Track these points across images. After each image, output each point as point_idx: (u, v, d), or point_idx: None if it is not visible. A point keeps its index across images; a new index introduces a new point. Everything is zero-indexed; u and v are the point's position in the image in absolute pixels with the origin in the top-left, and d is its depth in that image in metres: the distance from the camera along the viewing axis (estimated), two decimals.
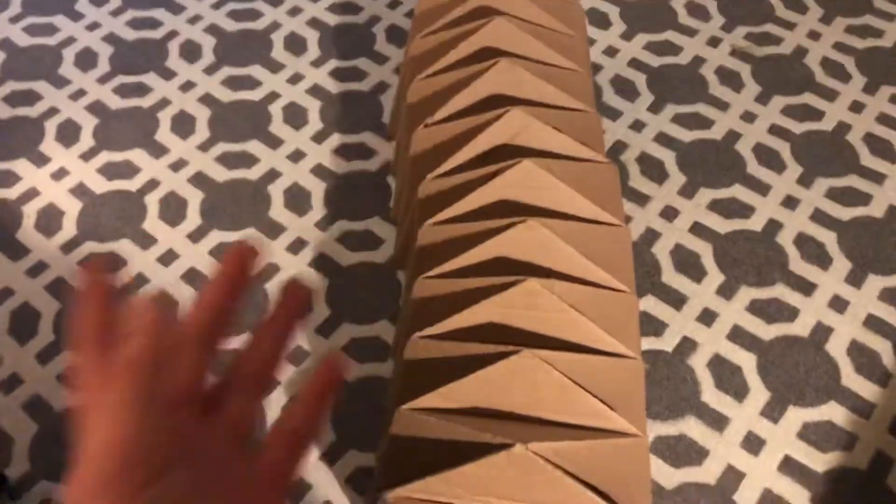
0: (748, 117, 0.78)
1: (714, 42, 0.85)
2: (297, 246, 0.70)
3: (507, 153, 0.57)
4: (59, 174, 0.76)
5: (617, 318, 0.51)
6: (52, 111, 0.81)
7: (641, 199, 0.72)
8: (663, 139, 0.76)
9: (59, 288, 0.68)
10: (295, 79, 0.83)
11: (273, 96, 0.81)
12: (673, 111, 0.79)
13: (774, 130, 0.77)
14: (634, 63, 0.83)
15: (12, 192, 0.74)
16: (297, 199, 0.73)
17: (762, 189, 0.73)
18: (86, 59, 0.85)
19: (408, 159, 0.62)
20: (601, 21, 0.87)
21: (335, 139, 0.78)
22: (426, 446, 0.45)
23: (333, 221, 0.72)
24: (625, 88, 0.81)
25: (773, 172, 0.74)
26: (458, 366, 0.47)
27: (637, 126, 0.78)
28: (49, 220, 0.72)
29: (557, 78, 0.62)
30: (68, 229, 0.72)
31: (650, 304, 0.66)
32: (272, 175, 0.75)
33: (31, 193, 0.74)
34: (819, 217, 0.71)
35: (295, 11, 0.89)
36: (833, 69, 0.82)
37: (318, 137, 0.78)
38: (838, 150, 0.75)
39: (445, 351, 0.49)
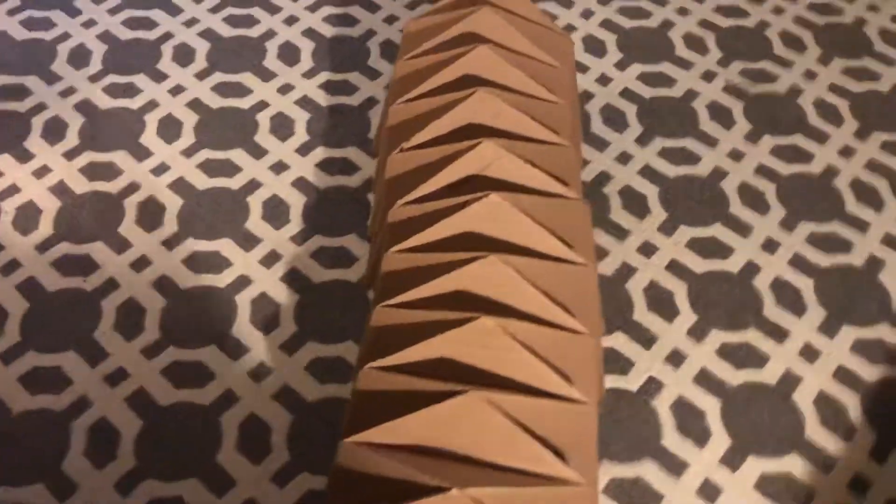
0: (736, 155, 0.77)
1: (709, 76, 0.84)
2: (270, 259, 0.70)
3: (477, 184, 0.56)
4: (42, 172, 0.76)
5: (574, 360, 0.50)
6: (41, 107, 0.81)
7: (621, 233, 0.72)
8: (648, 173, 0.76)
9: (29, 288, 0.68)
10: (285, 89, 0.83)
11: (262, 105, 0.81)
12: (661, 145, 0.78)
13: (761, 171, 0.76)
14: (627, 93, 0.82)
15: None
16: (276, 212, 0.73)
17: (743, 230, 0.72)
18: (79, 56, 0.86)
19: (383, 182, 0.61)
20: (597, 49, 0.87)
21: (320, 153, 0.77)
22: (367, 482, 0.45)
23: (310, 236, 0.71)
24: (614, 119, 0.80)
25: (757, 214, 0.73)
26: (407, 401, 0.47)
27: (623, 158, 0.77)
28: (26, 218, 0.72)
29: (537, 109, 0.61)
30: (45, 229, 0.72)
31: (620, 341, 0.65)
32: (253, 185, 0.75)
33: (12, 190, 0.74)
34: (798, 262, 0.70)
35: (291, 20, 0.89)
36: (826, 111, 0.81)
37: (303, 150, 0.78)
38: (824, 195, 0.74)
39: (396, 384, 0.48)
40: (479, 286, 0.50)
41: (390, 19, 0.89)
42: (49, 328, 0.66)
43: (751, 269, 0.69)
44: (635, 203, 0.74)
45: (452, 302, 0.51)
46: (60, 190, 0.75)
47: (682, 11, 0.91)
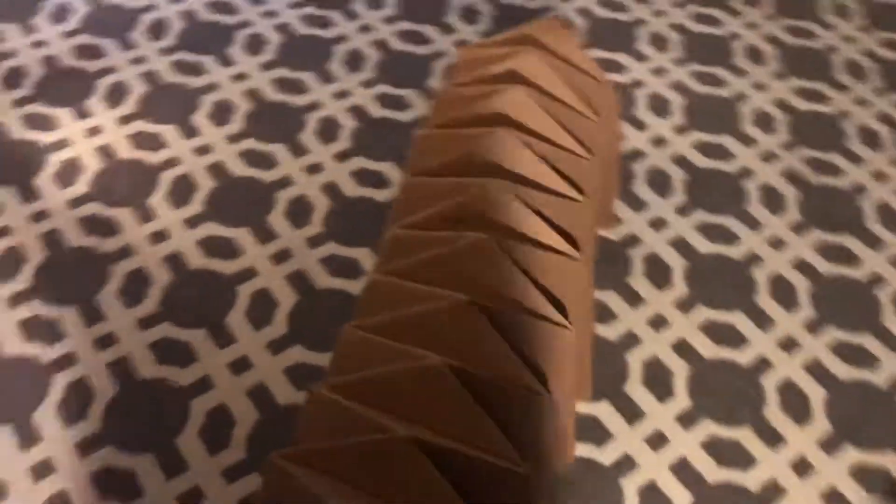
0: (776, 244, 0.74)
1: (769, 157, 0.80)
2: (281, 256, 0.71)
3: (478, 222, 0.55)
4: (93, 132, 0.79)
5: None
6: (110, 70, 0.84)
7: (635, 300, 0.69)
8: (680, 245, 0.73)
9: (52, 239, 0.71)
10: (341, 94, 0.84)
11: (314, 106, 0.82)
12: (700, 218, 0.75)
13: (800, 265, 0.72)
14: (679, 159, 0.80)
15: (46, 137, 0.78)
16: (299, 211, 0.74)
17: (765, 323, 0.68)
18: (156, 29, 0.89)
19: (393, 202, 0.61)
20: (660, 108, 0.84)
21: (357, 162, 0.78)
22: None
23: (324, 242, 0.72)
24: (659, 182, 0.78)
25: (783, 309, 0.69)
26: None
27: (658, 224, 0.75)
28: (68, 173, 0.76)
29: (561, 160, 0.60)
30: (81, 186, 0.75)
31: (604, 410, 0.63)
32: (285, 182, 0.76)
33: (63, 143, 0.78)
34: (815, 369, 0.66)
35: (365, 29, 0.91)
36: (887, 216, 0.76)
37: (342, 156, 0.78)
38: (862, 304, 0.70)
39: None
40: (452, 332, 0.49)
41: (460, 44, 0.89)
42: (58, 281, 0.68)
43: (762, 364, 0.66)
44: (658, 272, 0.71)
45: (423, 340, 0.50)
46: (106, 152, 0.77)
47: (760, 87, 0.87)
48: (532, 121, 0.61)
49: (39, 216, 0.72)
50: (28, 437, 0.60)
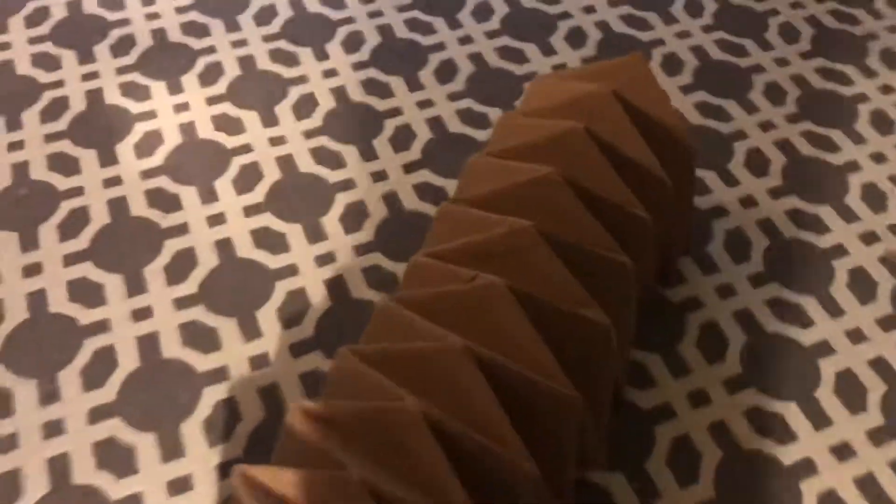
0: (855, 336, 0.66)
1: (869, 239, 0.73)
2: (325, 259, 0.70)
3: (500, 265, 0.53)
4: (181, 108, 0.81)
5: None
6: (211, 50, 0.87)
7: (680, 369, 0.64)
8: (744, 318, 0.67)
9: (117, 206, 0.73)
10: (425, 104, 0.82)
11: (393, 112, 0.81)
12: (775, 293, 0.69)
13: (878, 364, 0.65)
14: (766, 225, 0.73)
15: (137, 107, 0.81)
16: (354, 216, 0.73)
17: (819, 421, 0.61)
18: (264, 15, 0.91)
19: (431, 227, 0.59)
20: (759, 167, 0.78)
21: (423, 175, 0.76)
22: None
23: (370, 251, 0.71)
24: (738, 246, 0.72)
25: (846, 411, 0.62)
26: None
27: (725, 292, 0.69)
28: (148, 144, 0.78)
29: (610, 217, 0.56)
30: (157, 159, 0.77)
31: (616, 483, 0.58)
32: (347, 185, 0.75)
33: (149, 115, 0.80)
34: (866, 484, 0.59)
35: (465, 40, 0.89)
36: None
37: (410, 167, 0.77)
38: None
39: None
40: (443, 383, 0.47)
41: (558, 67, 0.86)
42: (114, 248, 0.70)
43: (804, 467, 0.59)
44: (713, 344, 0.66)
45: (412, 382, 0.48)
46: (187, 129, 0.79)
47: (879, 158, 0.79)
48: (586, 167, 0.57)
49: (109, 182, 0.75)
50: (48, 396, 0.62)
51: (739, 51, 0.88)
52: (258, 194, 0.75)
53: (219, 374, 0.63)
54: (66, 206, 0.73)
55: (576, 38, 0.89)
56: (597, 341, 0.52)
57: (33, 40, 0.87)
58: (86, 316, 0.66)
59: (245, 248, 0.71)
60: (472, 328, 0.49)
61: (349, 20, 0.91)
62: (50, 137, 0.78)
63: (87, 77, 0.84)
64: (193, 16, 0.90)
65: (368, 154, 0.78)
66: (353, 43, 0.88)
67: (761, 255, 0.71)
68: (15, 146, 0.78)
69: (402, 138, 0.79)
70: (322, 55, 0.87)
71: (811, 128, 0.81)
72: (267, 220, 0.73)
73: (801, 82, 0.85)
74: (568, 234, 0.54)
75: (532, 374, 0.47)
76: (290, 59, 0.86)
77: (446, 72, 0.86)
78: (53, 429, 0.60)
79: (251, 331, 0.66)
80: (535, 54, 0.88)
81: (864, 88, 0.85)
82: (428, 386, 0.46)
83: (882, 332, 0.67)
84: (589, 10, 0.92)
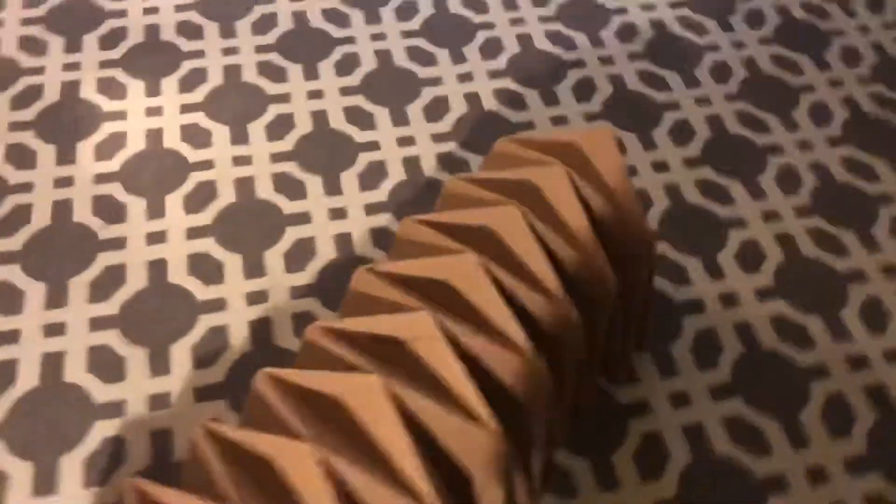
0: (816, 476, 0.58)
1: (859, 364, 0.64)
2: (256, 297, 0.66)
3: (396, 352, 0.47)
4: (153, 112, 0.78)
5: None
6: (198, 54, 0.83)
7: (608, 481, 0.58)
8: (693, 435, 0.60)
9: (65, 207, 0.70)
10: (408, 141, 0.77)
11: (373, 146, 0.77)
12: (735, 410, 0.61)
13: None
14: (744, 329, 0.66)
15: (109, 105, 0.78)
16: (299, 255, 0.69)
17: None
18: (263, 24, 0.87)
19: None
20: (752, 262, 0.70)
21: (384, 219, 0.71)
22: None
23: (305, 296, 0.66)
24: (706, 351, 0.65)
25: None
26: None
27: (678, 400, 0.62)
28: (110, 146, 0.75)
29: (536, 302, 0.50)
30: (114, 163, 0.74)
31: None
32: (300, 218, 0.71)
33: (120, 115, 0.77)
34: None
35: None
36: None
37: (372, 209, 0.72)
38: None
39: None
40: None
41: (559, 121, 0.80)
42: (47, 253, 0.68)
43: None
44: (652, 460, 0.59)
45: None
46: (153, 136, 0.76)
47: (890, 271, 0.70)
48: (517, 246, 0.51)
49: (63, 182, 0.72)
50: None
51: (759, 126, 0.80)
52: (207, 216, 0.71)
53: (115, 409, 0.60)
54: (10, 202, 0.71)
55: (584, 89, 0.83)
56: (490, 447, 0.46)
57: (26, 21, 0.85)
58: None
59: (178, 273, 0.67)
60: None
61: (350, 39, 0.86)
62: (14, 126, 0.76)
63: (69, 67, 0.81)
64: (190, 15, 0.87)
65: (332, 188, 0.73)
66: (346, 66, 0.84)
67: (730, 364, 0.64)
68: None
69: (373, 175, 0.74)
70: (312, 74, 0.82)
71: (821, 224, 0.73)
72: (208, 245, 0.69)
73: (820, 170, 0.77)
74: (473, 322, 0.49)
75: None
76: (278, 74, 0.82)
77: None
78: None
79: (160, 366, 0.62)
80: (537, 104, 0.82)
81: (886, 187, 0.76)
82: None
83: (849, 478, 0.59)
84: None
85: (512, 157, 0.59)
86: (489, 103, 0.81)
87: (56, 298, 0.65)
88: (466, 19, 0.89)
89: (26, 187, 0.72)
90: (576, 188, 0.54)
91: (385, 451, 0.41)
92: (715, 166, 0.77)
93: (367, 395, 0.43)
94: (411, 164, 0.75)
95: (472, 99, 0.81)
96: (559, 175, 0.54)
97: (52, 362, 0.61)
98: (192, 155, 0.75)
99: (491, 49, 0.86)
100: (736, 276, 0.69)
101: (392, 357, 0.47)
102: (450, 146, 0.77)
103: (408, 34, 0.87)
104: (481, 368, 0.48)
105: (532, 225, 0.52)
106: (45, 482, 0.56)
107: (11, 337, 0.63)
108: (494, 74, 0.83)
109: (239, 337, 0.64)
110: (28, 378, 0.60)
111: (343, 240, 0.70)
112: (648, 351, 0.64)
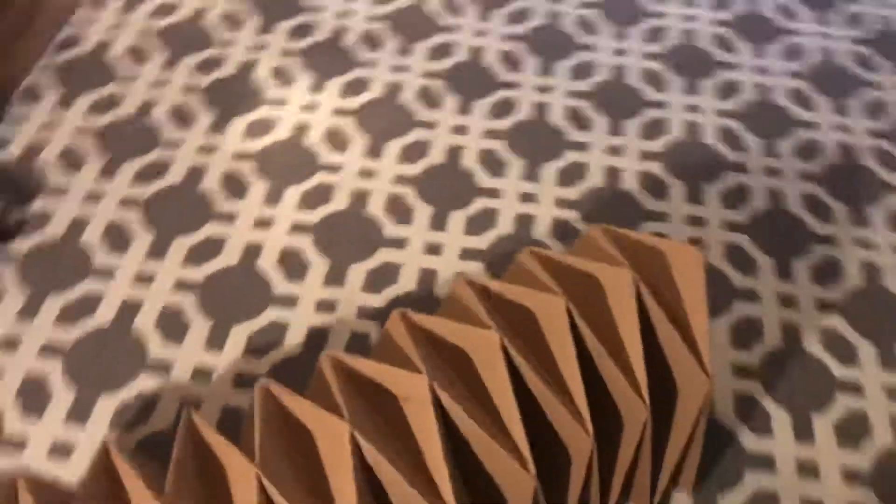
0: None
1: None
2: (324, 306, 0.67)
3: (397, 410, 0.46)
4: (307, 108, 0.82)
5: None
6: (371, 63, 0.86)
7: None
8: None
9: (197, 173, 0.76)
10: (529, 197, 0.75)
11: (492, 192, 0.76)
12: None
13: None
14: None
15: (274, 93, 0.83)
16: (383, 277, 0.69)
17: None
18: (437, 52, 0.88)
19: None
20: (854, 434, 0.61)
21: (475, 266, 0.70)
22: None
23: (373, 319, 0.66)
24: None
25: None
26: None
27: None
28: (257, 127, 0.80)
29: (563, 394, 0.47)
30: (257, 144, 0.78)
31: None
32: (394, 242, 0.71)
33: (280, 101, 0.82)
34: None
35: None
36: None
37: (466, 254, 0.71)
38: None
39: None
40: None
41: (696, 221, 0.74)
42: (167, 212, 0.73)
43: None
44: None
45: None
46: (298, 129, 0.80)
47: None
48: (552, 338, 0.48)
49: (205, 149, 0.78)
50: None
51: None
52: (315, 216, 0.73)
53: (162, 368, 0.63)
54: (155, 154, 0.77)
55: None
56: None
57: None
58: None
59: (267, 261, 0.70)
60: None
61: (514, 84, 0.85)
62: (187, 90, 0.83)
63: (252, 49, 0.87)
64: (376, 25, 0.91)
65: (438, 223, 0.73)
66: (501, 110, 0.83)
67: None
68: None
69: (482, 221, 0.73)
70: (466, 109, 0.83)
71: None
72: (304, 243, 0.71)
73: None
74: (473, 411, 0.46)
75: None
76: (434, 101, 0.83)
77: (570, 174, 0.78)
78: None
79: (216, 341, 0.64)
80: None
81: None
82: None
83: None
84: None
85: (597, 248, 0.55)
86: (629, 183, 0.77)
87: (157, 250, 0.70)
88: (638, 92, 0.85)
89: (174, 145, 0.78)
90: (639, 298, 0.50)
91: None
92: (851, 319, 0.68)
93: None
94: (523, 220, 0.73)
95: (612, 173, 0.78)
96: (625, 279, 0.50)
97: (129, 308, 0.66)
98: (326, 156, 0.78)
99: (652, 129, 0.82)
100: (827, 446, 0.61)
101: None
102: (569, 214, 0.74)
103: (576, 94, 0.85)
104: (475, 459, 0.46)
105: (574, 321, 0.49)
106: (80, 411, 0.60)
107: (106, 273, 0.68)
108: (646, 155, 0.79)
109: (295, 337, 0.65)
110: (104, 315, 0.65)
111: (427, 275, 0.69)
112: (690, 490, 0.58)
